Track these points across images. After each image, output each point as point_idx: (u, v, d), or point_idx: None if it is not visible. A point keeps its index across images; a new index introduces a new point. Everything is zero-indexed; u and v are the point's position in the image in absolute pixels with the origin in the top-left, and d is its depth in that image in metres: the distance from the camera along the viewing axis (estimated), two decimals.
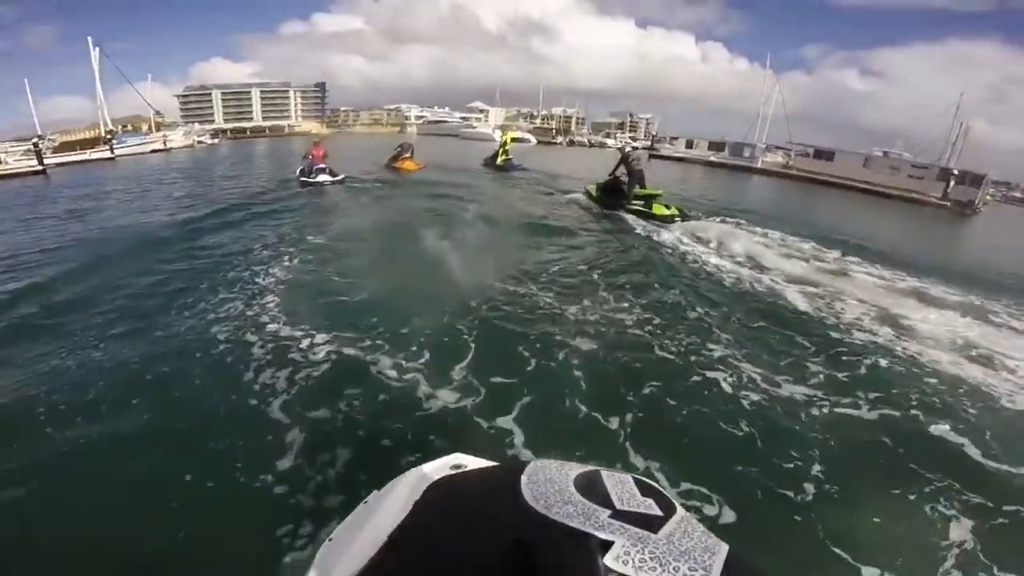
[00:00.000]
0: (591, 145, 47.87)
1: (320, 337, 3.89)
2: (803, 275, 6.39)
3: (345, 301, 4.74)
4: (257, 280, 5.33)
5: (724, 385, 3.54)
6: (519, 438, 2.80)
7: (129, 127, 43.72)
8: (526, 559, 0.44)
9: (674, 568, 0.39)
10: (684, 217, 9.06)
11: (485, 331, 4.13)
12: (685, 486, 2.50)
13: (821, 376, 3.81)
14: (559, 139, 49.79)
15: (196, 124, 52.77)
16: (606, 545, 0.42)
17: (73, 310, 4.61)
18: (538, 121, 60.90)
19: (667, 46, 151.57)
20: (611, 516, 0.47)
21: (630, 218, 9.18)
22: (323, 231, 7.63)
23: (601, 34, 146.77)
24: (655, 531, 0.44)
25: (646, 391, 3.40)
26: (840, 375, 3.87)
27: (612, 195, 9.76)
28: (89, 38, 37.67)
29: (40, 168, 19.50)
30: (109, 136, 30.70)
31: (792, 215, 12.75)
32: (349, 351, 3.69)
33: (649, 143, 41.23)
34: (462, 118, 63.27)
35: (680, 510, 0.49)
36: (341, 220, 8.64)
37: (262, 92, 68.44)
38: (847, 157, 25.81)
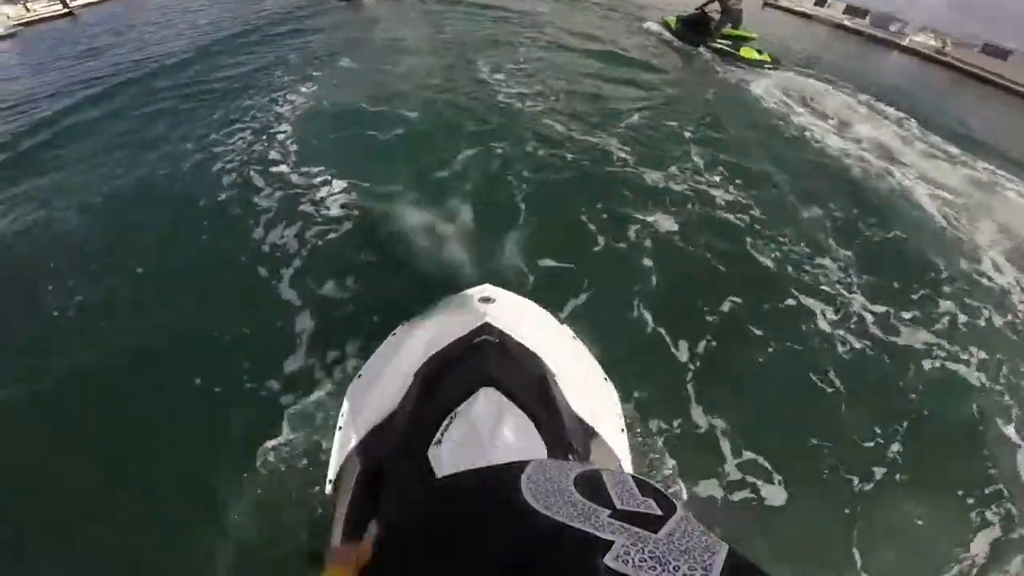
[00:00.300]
0: None
1: (337, 184, 3.28)
2: (946, 182, 5.11)
3: (373, 136, 4.01)
4: (275, 108, 4.58)
5: (821, 320, 2.81)
6: None
7: None
8: (525, 559, 0.44)
9: (674, 568, 0.39)
10: (777, 65, 7.90)
11: (542, 188, 3.41)
12: (747, 456, 2.06)
13: (945, 321, 3.03)
14: None
15: None
16: (606, 545, 0.42)
17: (76, 151, 4.08)
18: None
19: None
20: (611, 516, 0.46)
21: (722, 62, 7.98)
22: (355, 52, 6.48)
23: None
24: (655, 531, 0.44)
25: (726, 308, 2.75)
26: (962, 320, 3.08)
27: (696, 30, 8.61)
28: None
29: (66, 11, 17.95)
30: None
31: (939, 109, 10.03)
32: (371, 206, 3.08)
33: None
34: None
35: (680, 509, 0.48)
36: (379, 39, 7.37)
37: None
38: None
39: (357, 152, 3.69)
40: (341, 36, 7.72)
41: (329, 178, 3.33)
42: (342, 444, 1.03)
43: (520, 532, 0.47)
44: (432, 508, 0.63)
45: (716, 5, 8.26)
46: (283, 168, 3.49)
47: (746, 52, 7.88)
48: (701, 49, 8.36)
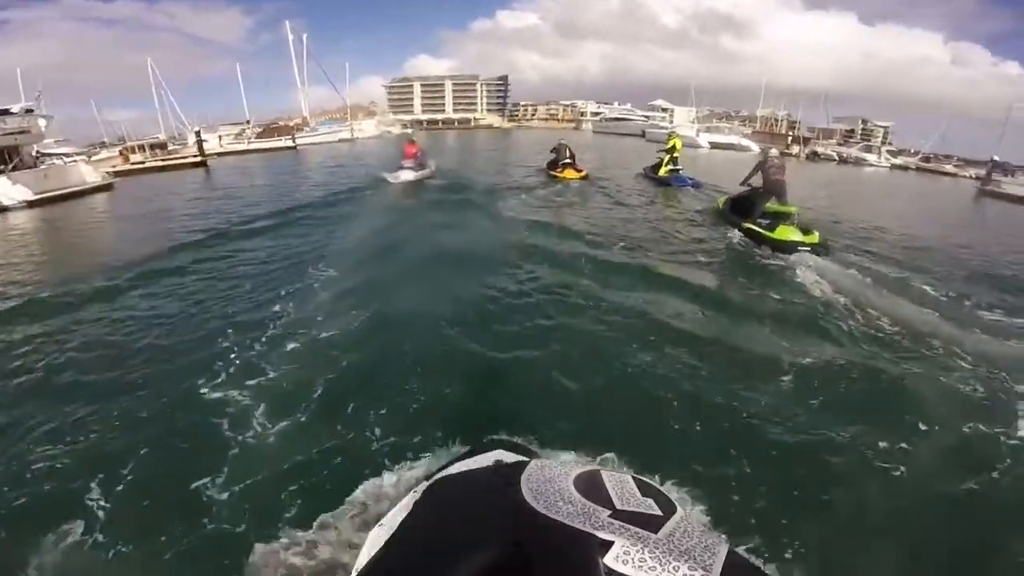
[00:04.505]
0: (843, 161, 35.86)
1: None
2: None
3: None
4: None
5: None
6: None
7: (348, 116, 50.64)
8: (526, 559, 0.49)
9: (674, 568, 0.43)
10: (825, 250, 6.64)
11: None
12: None
13: None
14: (795, 149, 37.89)
15: (389, 115, 61.16)
16: (606, 545, 0.47)
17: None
18: (739, 124, 48.84)
19: (902, 45, 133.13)
20: (611, 516, 0.52)
21: (751, 246, 7.21)
22: (344, 256, 6.66)
23: (812, 30, 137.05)
24: (655, 531, 0.49)
25: None
26: None
27: (739, 211, 8.39)
28: (287, 22, 43.83)
29: (200, 160, 22.49)
30: (296, 126, 36.19)
31: None
32: None
33: (985, 172, 26.36)
34: (644, 117, 58.22)
35: (680, 510, 0.54)
36: (387, 231, 7.88)
37: (453, 83, 78.11)
38: None
39: None
40: (353, 225, 8.72)
41: None
42: None
43: (520, 532, 0.54)
44: (433, 507, 0.74)
45: (759, 176, 7.96)
46: None
47: (781, 232, 6.90)
48: (733, 232, 7.87)
